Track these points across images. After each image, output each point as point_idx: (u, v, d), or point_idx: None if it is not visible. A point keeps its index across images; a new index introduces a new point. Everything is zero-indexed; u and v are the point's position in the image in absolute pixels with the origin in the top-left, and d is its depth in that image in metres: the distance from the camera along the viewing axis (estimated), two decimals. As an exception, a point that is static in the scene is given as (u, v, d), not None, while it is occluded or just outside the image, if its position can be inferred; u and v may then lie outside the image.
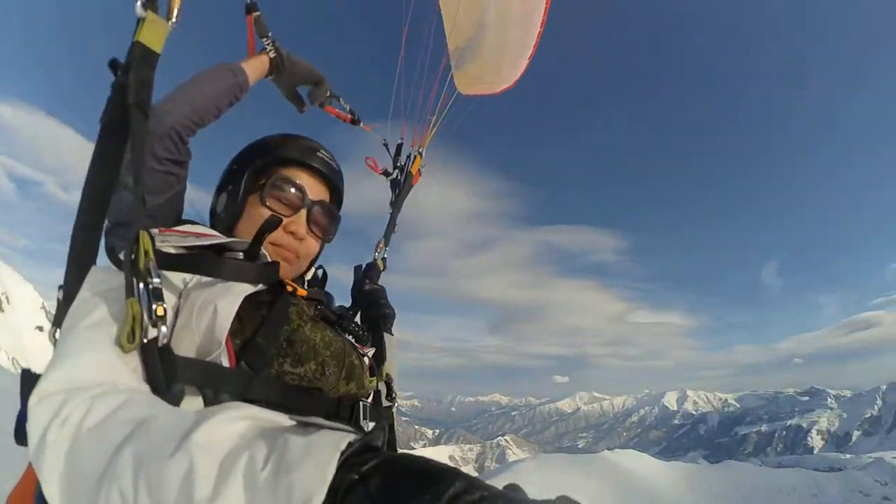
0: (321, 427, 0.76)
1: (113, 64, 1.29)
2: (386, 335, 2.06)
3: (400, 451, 1.80)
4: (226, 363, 1.21)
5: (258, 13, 1.94)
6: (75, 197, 1.26)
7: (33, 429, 0.82)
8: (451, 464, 0.77)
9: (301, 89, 2.13)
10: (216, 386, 1.16)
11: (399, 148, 2.90)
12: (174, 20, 1.37)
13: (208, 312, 1.19)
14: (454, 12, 3.07)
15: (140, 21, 1.28)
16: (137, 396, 0.89)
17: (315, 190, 1.67)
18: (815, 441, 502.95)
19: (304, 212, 1.63)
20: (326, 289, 1.87)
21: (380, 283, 2.51)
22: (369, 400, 1.65)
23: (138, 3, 1.27)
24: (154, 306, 1.01)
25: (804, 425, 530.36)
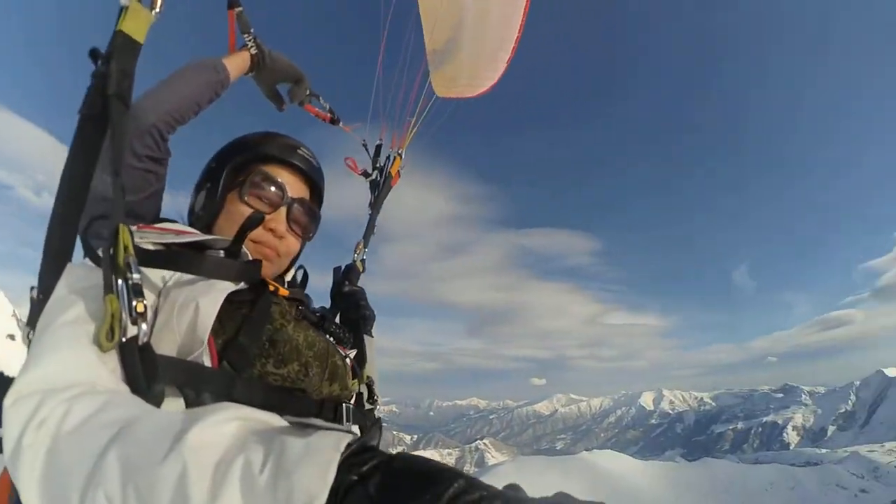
0: (316, 428, 0.75)
1: (93, 53, 1.27)
2: (366, 337, 2.04)
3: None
4: (208, 363, 1.17)
5: (240, 9, 1.91)
6: (47, 201, 1.23)
7: (8, 432, 0.79)
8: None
9: (281, 87, 2.12)
10: (198, 386, 1.13)
11: (378, 149, 2.89)
12: (157, 10, 1.36)
13: (190, 310, 1.16)
14: (433, 14, 3.07)
15: (123, 10, 1.27)
16: (118, 398, 0.86)
17: (295, 187, 1.65)
18: (791, 437, 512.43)
19: (283, 209, 1.60)
20: (305, 292, 1.85)
21: (358, 284, 2.50)
22: (352, 402, 1.63)
23: None
24: (134, 303, 0.96)
25: (780, 422, 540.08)
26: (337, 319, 2.16)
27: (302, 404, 1.39)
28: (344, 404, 1.51)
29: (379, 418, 1.69)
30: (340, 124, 2.46)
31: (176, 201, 1.65)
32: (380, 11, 2.80)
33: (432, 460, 0.68)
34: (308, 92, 2.19)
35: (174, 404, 1.08)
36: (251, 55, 1.90)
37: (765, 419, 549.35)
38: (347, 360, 1.67)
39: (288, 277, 1.79)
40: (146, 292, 1.03)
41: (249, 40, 1.90)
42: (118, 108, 1.20)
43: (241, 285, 1.34)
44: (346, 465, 0.67)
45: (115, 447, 0.72)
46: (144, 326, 0.99)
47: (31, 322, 1.10)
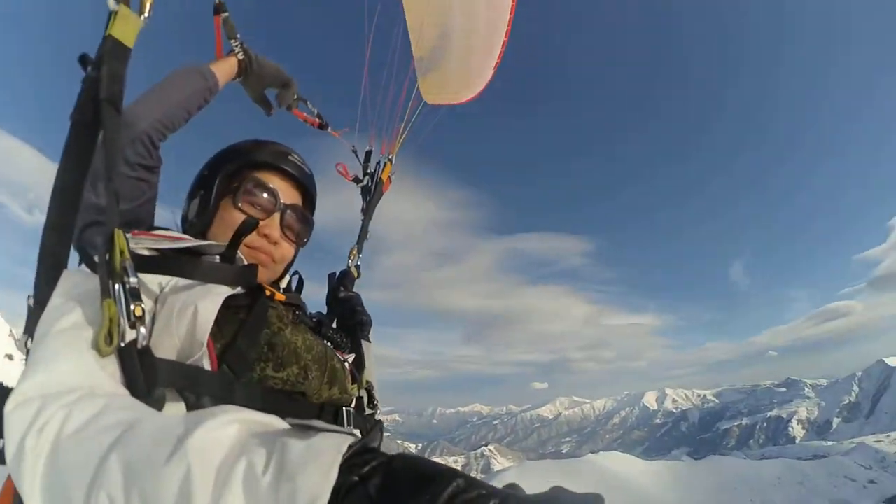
0: (317, 430, 0.75)
1: (83, 59, 1.28)
2: (364, 342, 2.05)
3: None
4: (207, 366, 1.18)
5: (226, 14, 1.92)
6: (40, 219, 1.21)
7: (10, 437, 0.78)
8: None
9: (269, 92, 2.12)
10: (198, 390, 1.13)
11: (368, 155, 2.90)
12: (146, 15, 1.36)
13: (188, 313, 1.16)
14: (419, 20, 3.08)
15: (112, 15, 1.27)
16: (118, 401, 0.86)
17: (288, 194, 1.65)
18: (797, 430, 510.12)
19: (277, 215, 1.61)
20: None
21: (354, 290, 2.50)
22: (352, 407, 1.63)
23: None
24: (132, 307, 0.97)
25: (784, 416, 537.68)
26: (334, 325, 2.16)
27: (302, 408, 1.39)
28: (344, 408, 1.52)
29: (379, 421, 1.70)
30: (329, 129, 2.46)
31: (164, 215, 1.66)
32: (367, 16, 2.82)
33: (433, 461, 0.69)
34: (296, 96, 2.19)
35: (175, 408, 1.09)
36: (238, 60, 1.91)
37: (769, 414, 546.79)
38: (346, 365, 1.67)
39: (283, 283, 1.79)
40: (143, 298, 1.03)
41: (236, 45, 1.90)
42: (110, 113, 1.19)
43: (239, 290, 1.34)
44: (347, 466, 0.68)
45: (117, 450, 0.72)
46: (143, 330, 0.99)
47: (29, 330, 1.09)
